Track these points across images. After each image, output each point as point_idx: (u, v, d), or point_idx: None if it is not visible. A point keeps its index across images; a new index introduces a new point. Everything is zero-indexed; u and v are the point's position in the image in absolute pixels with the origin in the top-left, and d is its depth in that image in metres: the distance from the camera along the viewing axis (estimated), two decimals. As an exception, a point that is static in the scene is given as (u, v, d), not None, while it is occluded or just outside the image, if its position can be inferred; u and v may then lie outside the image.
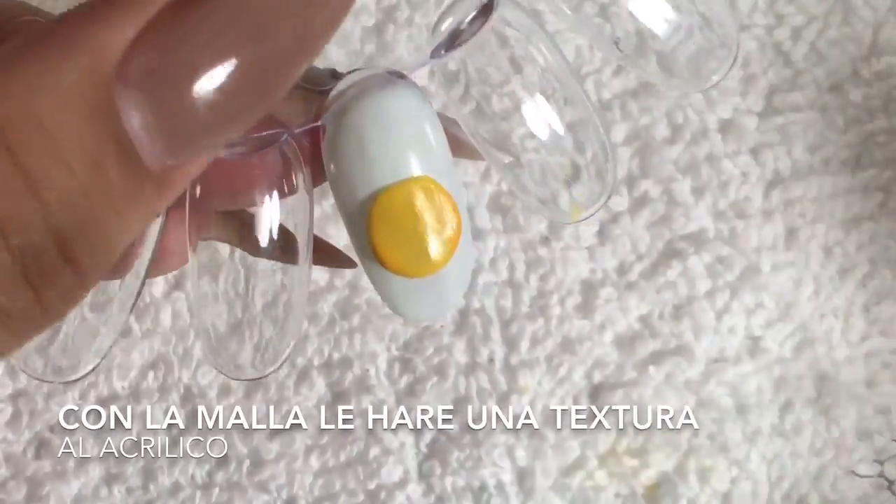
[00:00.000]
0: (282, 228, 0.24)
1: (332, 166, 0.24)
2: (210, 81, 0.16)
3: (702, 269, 0.31)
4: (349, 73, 0.25)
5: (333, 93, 0.24)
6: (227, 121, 0.17)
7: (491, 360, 0.31)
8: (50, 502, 0.31)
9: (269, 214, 0.24)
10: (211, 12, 0.17)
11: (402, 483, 0.31)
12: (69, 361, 0.24)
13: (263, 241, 0.24)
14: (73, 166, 0.16)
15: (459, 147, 0.25)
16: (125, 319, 0.23)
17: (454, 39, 0.25)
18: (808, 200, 0.31)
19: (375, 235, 0.24)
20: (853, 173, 0.31)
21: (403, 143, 0.23)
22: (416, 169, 0.24)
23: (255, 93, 0.17)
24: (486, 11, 0.25)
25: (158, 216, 0.18)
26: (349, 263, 0.27)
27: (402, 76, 0.24)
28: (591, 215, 0.24)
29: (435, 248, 0.24)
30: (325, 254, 0.27)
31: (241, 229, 0.25)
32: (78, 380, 0.23)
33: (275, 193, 0.24)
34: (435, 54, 0.25)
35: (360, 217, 0.24)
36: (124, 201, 0.17)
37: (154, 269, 0.25)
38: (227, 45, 0.16)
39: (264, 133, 0.23)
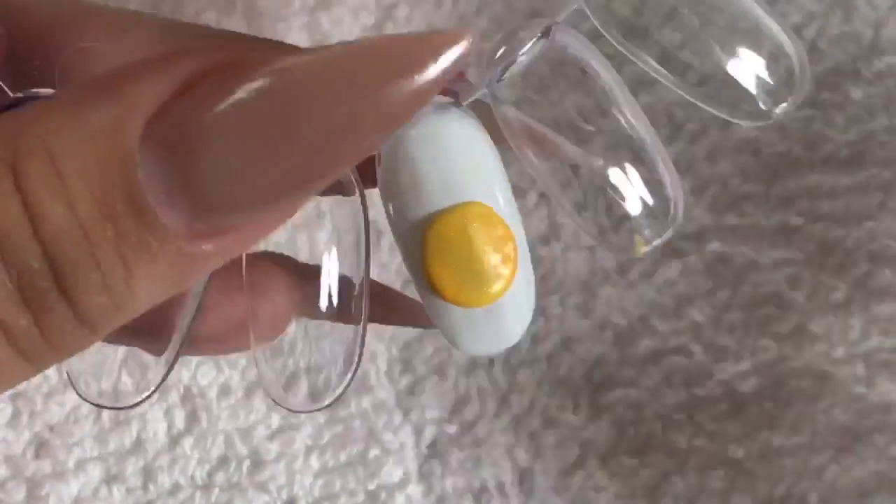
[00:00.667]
0: (343, 281, 0.24)
1: (385, 193, 0.24)
2: (240, 157, 0.16)
3: (702, 267, 0.31)
4: None
5: None
6: (260, 201, 0.17)
7: (491, 361, 0.31)
8: (49, 503, 0.31)
9: (330, 268, 0.24)
10: (252, 86, 0.16)
11: (403, 483, 0.31)
12: (120, 389, 0.23)
13: (324, 303, 0.24)
14: (76, 208, 0.16)
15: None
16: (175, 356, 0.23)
17: (509, 67, 0.25)
18: (807, 199, 0.31)
19: (429, 262, 0.23)
20: (853, 172, 0.31)
21: (458, 168, 0.23)
22: (470, 195, 0.23)
23: (291, 181, 0.17)
24: (543, 37, 0.25)
25: (183, 288, 0.17)
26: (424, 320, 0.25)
27: (456, 104, 0.24)
28: (652, 249, 0.24)
29: (491, 277, 0.24)
30: (399, 310, 0.26)
31: (301, 292, 0.24)
32: (132, 406, 0.23)
33: (333, 249, 0.24)
34: (491, 83, 0.25)
35: (415, 244, 0.23)
36: (134, 256, 0.16)
37: (209, 346, 0.24)
38: (261, 126, 0.16)
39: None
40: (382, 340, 0.28)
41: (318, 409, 0.24)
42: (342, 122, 0.16)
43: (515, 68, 0.25)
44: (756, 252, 0.31)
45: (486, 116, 0.24)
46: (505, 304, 0.24)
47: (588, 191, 0.25)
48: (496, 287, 0.24)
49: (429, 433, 0.31)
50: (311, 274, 0.23)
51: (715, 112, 0.25)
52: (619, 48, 0.26)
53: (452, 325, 0.24)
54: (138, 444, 0.32)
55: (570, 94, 0.25)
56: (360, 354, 0.23)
